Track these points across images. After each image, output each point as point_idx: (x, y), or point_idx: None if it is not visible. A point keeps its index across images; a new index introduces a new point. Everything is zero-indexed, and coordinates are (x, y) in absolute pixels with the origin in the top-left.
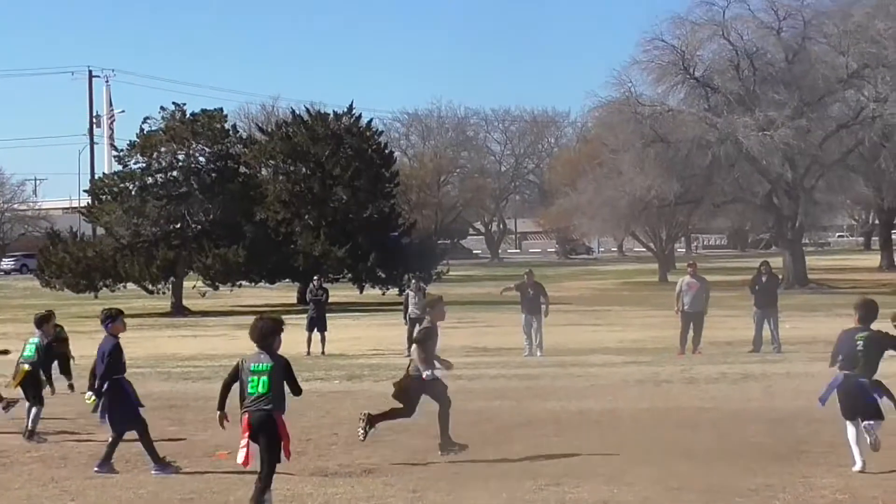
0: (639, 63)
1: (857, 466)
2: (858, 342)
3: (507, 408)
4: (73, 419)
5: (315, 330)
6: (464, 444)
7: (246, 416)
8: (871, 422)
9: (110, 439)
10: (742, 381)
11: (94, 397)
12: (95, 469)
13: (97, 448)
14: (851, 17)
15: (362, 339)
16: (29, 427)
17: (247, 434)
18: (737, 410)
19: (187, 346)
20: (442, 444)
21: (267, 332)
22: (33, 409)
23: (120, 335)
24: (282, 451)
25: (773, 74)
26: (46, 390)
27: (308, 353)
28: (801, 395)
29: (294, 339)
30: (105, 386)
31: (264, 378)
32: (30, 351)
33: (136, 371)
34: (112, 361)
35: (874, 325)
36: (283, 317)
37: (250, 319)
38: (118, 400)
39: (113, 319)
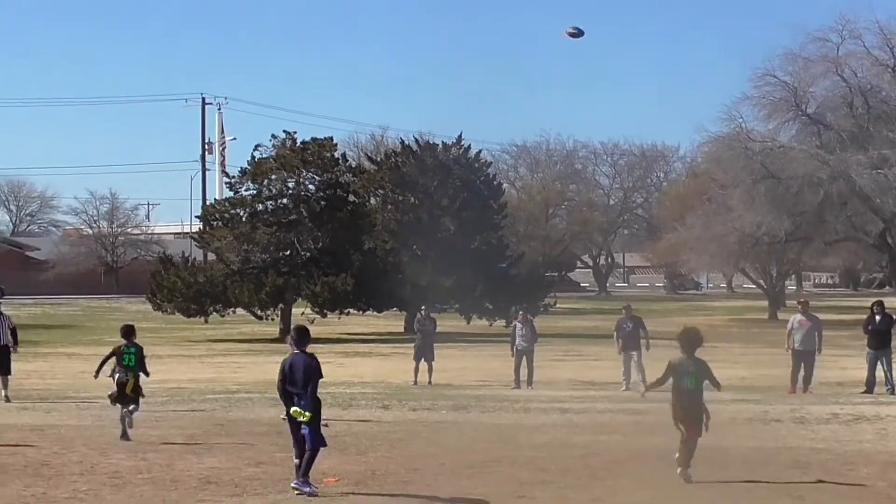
0: (750, 98)
1: None
2: None
3: (614, 442)
4: (184, 441)
5: (422, 359)
6: None
7: (678, 405)
8: None
9: (308, 454)
10: (854, 423)
11: (307, 413)
12: (294, 485)
13: (206, 472)
14: None
15: (469, 370)
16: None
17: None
18: (849, 452)
19: None
20: None
21: (696, 340)
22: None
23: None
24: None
25: (888, 112)
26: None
27: (415, 382)
28: None
29: (401, 368)
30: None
31: (694, 377)
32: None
33: (245, 396)
34: (319, 377)
35: None
36: (390, 346)
37: (358, 347)
38: (318, 415)
39: (309, 338)
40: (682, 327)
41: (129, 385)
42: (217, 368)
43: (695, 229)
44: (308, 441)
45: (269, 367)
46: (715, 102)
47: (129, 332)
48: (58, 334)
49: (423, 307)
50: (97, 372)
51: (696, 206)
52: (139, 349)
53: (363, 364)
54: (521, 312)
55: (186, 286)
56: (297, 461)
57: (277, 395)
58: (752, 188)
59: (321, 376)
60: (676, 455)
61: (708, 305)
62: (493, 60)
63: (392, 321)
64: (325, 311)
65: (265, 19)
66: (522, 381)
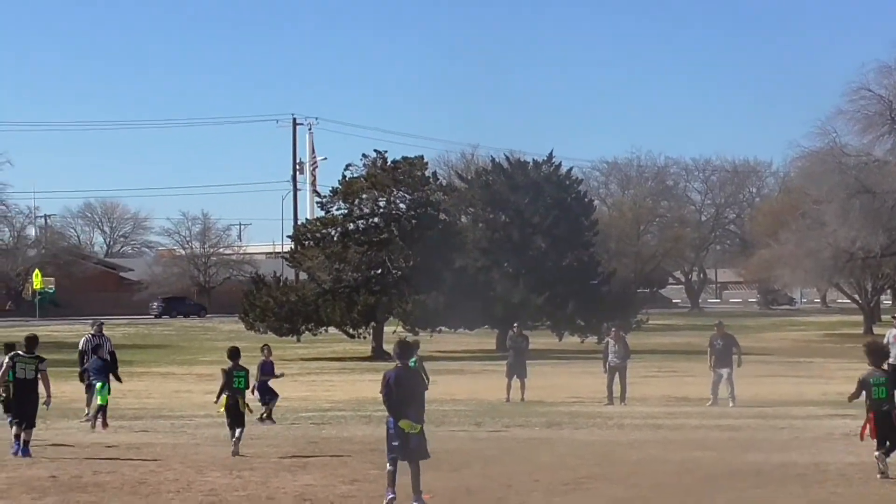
0: (843, 113)
1: None
2: None
3: (709, 459)
4: (279, 458)
5: (515, 376)
6: None
7: (872, 413)
8: None
9: (414, 468)
10: None
11: (417, 425)
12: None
13: (302, 489)
14: None
15: (561, 387)
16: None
17: (871, 424)
18: None
19: None
20: None
21: (883, 353)
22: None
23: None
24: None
25: None
26: None
27: (507, 399)
28: None
29: (494, 386)
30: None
31: (882, 387)
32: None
33: (338, 414)
34: (425, 390)
35: None
36: (482, 364)
37: (450, 365)
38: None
39: (411, 352)
40: (867, 341)
41: (242, 404)
42: (310, 387)
43: (788, 245)
44: (414, 452)
45: (361, 385)
46: (808, 117)
47: (235, 354)
48: (152, 354)
49: (515, 324)
50: (217, 399)
51: (790, 222)
52: (246, 371)
53: (455, 381)
54: (613, 329)
55: (279, 305)
56: (390, 468)
57: (370, 413)
58: (846, 203)
59: (426, 388)
60: (876, 454)
61: (802, 321)
62: (583, 78)
63: (484, 339)
64: (416, 329)
65: (355, 40)
66: (615, 398)
